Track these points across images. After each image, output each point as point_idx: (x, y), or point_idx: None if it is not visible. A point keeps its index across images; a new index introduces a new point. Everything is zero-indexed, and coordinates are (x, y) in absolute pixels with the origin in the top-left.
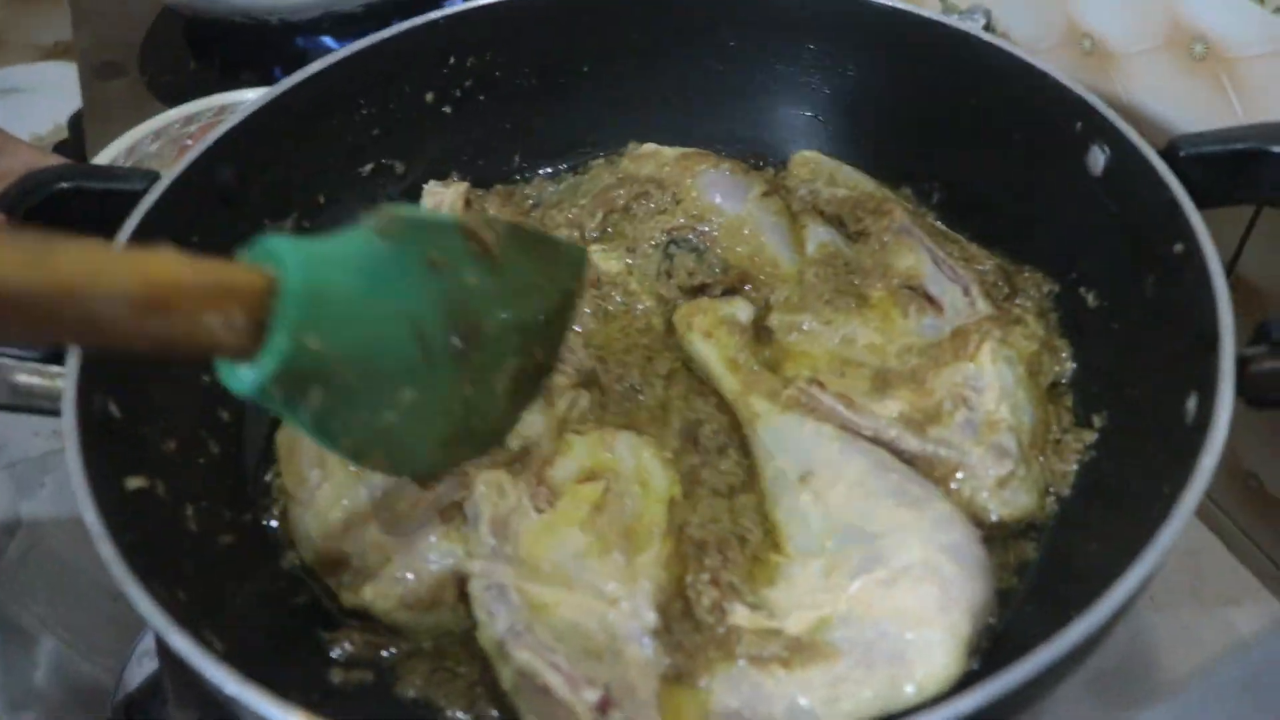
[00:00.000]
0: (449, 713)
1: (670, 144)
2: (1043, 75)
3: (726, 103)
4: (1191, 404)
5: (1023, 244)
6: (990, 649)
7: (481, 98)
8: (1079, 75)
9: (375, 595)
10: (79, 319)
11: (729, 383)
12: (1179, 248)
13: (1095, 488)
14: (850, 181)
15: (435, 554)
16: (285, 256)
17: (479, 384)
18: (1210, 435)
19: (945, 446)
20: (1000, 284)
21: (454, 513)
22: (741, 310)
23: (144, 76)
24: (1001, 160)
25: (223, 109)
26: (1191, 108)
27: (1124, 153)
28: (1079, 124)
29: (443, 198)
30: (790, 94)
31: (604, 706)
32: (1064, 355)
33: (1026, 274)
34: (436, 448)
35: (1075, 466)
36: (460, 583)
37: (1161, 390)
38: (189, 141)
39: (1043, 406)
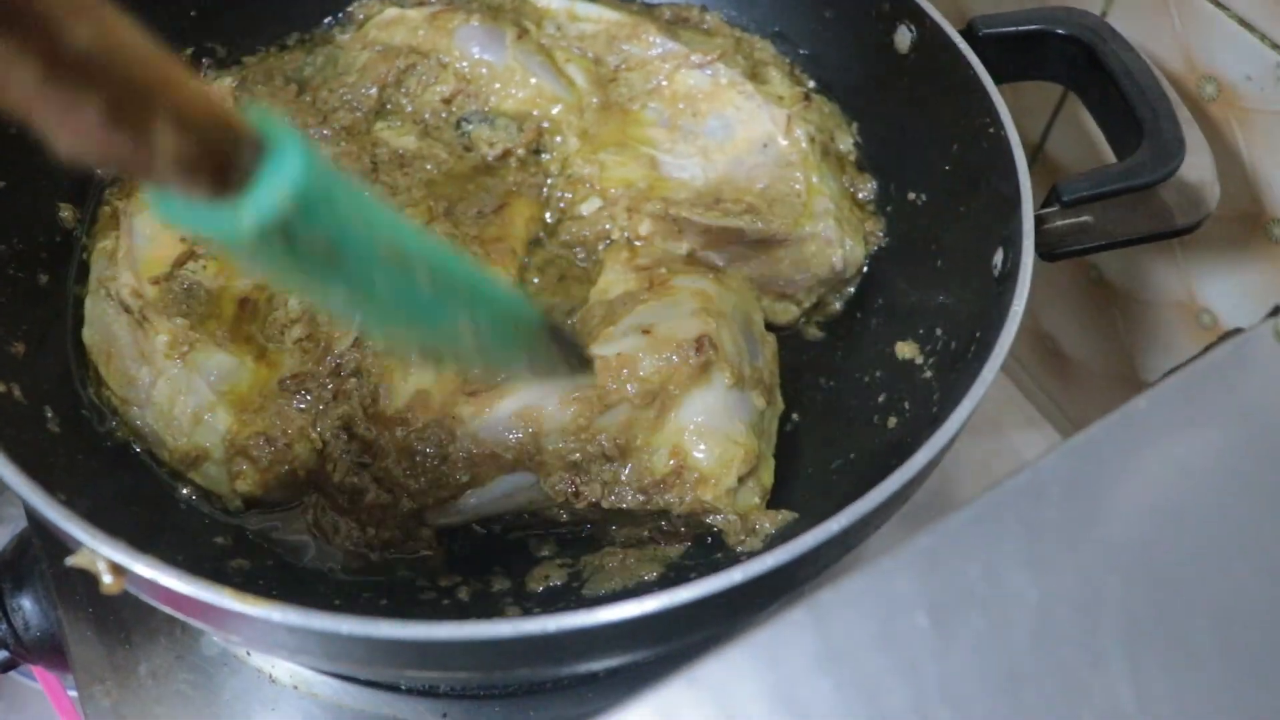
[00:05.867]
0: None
1: None
2: None
3: None
4: (998, 258)
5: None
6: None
7: None
8: None
9: (255, 479)
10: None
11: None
12: (982, 120)
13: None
14: (592, 15)
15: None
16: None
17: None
18: (1020, 282)
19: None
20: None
21: (295, 383)
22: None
23: None
24: (814, 37)
25: None
26: None
27: (929, 32)
28: (886, 4)
29: None
30: None
31: None
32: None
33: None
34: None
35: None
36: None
37: (970, 245)
38: None
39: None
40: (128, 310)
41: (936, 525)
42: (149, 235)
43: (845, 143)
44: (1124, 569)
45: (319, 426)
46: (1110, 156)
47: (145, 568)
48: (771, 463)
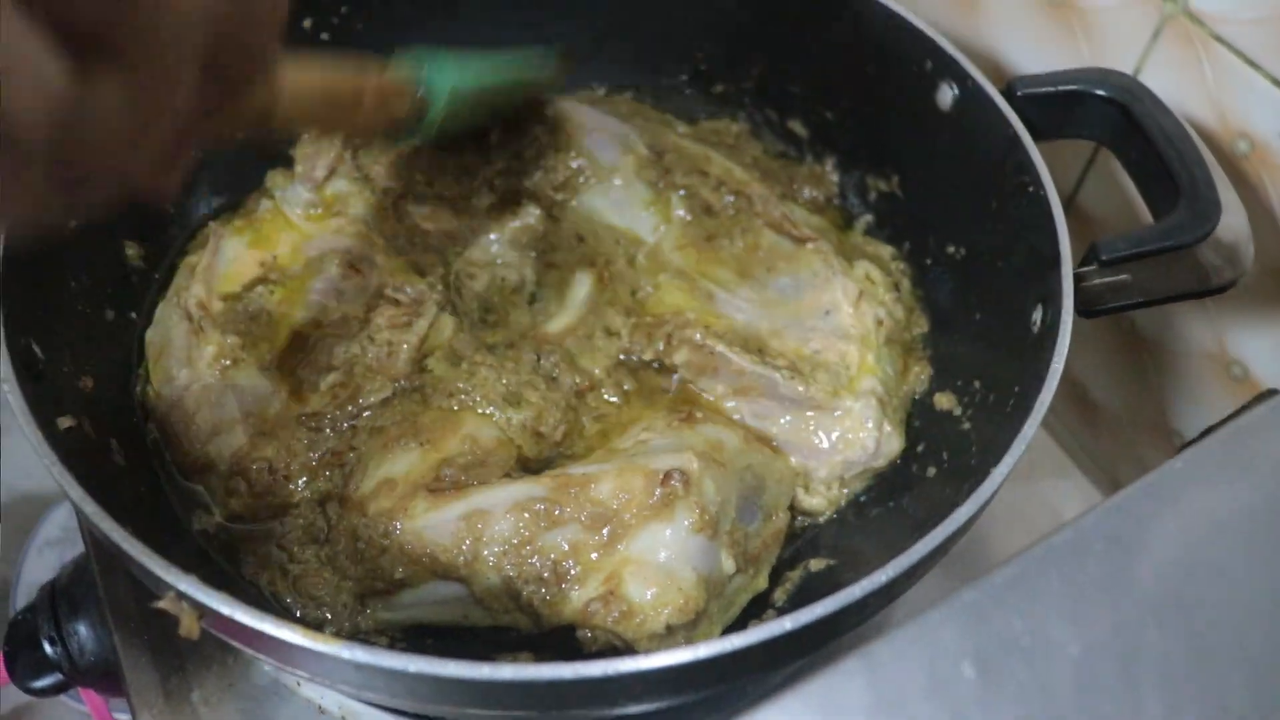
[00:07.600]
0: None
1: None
2: (895, 15)
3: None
4: (1037, 315)
5: (874, 171)
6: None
7: (359, 26)
8: (940, 13)
9: (247, 502)
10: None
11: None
12: (1022, 179)
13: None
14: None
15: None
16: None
17: None
18: (1059, 340)
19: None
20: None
21: (313, 420)
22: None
23: None
24: (857, 92)
25: None
26: (1042, 51)
27: (970, 91)
28: (929, 63)
29: (315, 156)
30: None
31: None
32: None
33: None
34: None
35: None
36: None
37: (1008, 300)
38: None
39: (899, 364)
40: (189, 319)
41: (982, 580)
42: (232, 256)
43: (918, 334)
44: (1163, 624)
45: (304, 487)
46: (1143, 212)
47: (224, 606)
48: (715, 631)
